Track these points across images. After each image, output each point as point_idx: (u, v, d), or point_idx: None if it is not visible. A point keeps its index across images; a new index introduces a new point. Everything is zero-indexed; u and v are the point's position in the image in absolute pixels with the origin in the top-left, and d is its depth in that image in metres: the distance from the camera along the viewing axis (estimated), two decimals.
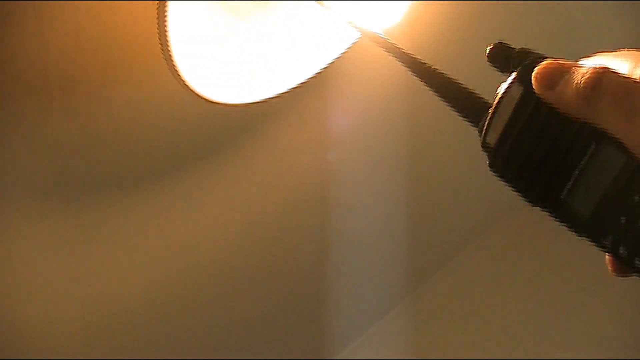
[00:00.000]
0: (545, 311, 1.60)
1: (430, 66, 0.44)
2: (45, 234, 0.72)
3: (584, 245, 0.39)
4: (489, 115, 0.39)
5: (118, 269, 0.82)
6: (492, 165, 0.40)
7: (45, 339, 0.84)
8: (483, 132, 0.40)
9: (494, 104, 0.39)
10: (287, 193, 0.95)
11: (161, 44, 0.53)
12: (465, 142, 1.16)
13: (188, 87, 0.55)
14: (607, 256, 0.38)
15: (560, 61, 0.36)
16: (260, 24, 0.58)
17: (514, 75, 0.38)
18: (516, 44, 0.40)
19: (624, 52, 0.36)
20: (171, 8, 0.51)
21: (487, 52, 0.40)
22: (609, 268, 0.38)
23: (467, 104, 0.42)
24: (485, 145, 0.40)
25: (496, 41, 0.40)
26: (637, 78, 0.33)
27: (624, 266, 0.37)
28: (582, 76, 0.34)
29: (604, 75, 0.33)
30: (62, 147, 0.65)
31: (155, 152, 0.73)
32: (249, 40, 0.58)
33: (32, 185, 0.66)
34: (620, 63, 0.35)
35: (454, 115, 0.43)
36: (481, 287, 1.65)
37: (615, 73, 0.33)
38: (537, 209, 0.40)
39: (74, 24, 0.57)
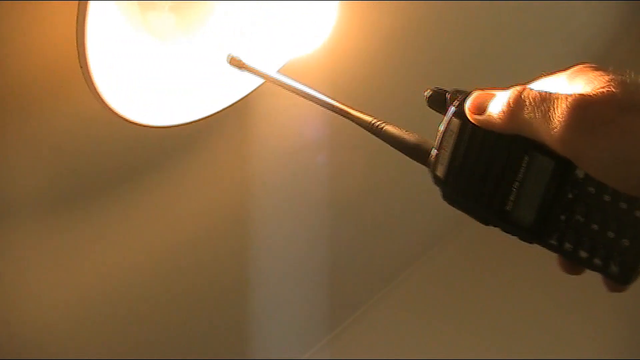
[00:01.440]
0: (475, 340, 1.63)
1: (374, 123, 0.49)
2: None
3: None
4: (435, 152, 0.45)
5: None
6: (445, 196, 0.45)
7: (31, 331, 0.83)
8: (432, 167, 0.45)
9: (437, 140, 0.44)
10: (207, 219, 0.93)
11: (81, 67, 0.52)
12: (390, 177, 1.19)
13: (109, 108, 0.54)
14: (557, 258, 0.42)
15: (487, 90, 0.42)
16: (184, 47, 0.57)
17: (451, 111, 0.44)
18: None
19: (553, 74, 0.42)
20: (90, 30, 0.50)
21: (426, 97, 0.46)
22: (561, 269, 0.43)
23: (414, 148, 0.47)
24: (436, 179, 0.45)
25: (433, 87, 0.46)
26: (557, 89, 0.38)
27: (571, 261, 0.42)
28: (506, 96, 0.40)
29: (523, 90, 0.39)
30: None
31: (79, 173, 0.71)
32: (172, 63, 0.57)
33: None
34: (552, 80, 0.41)
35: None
36: (400, 328, 1.67)
37: (531, 88, 0.39)
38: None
39: None
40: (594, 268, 0.41)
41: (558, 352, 1.53)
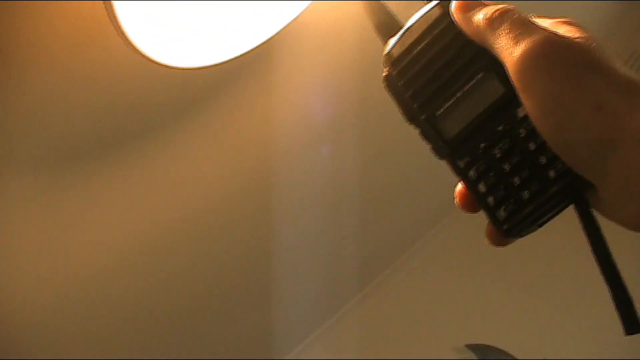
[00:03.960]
0: (495, 303, 1.62)
1: None
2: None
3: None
4: (402, 31, 0.44)
5: (81, 241, 0.79)
6: (387, 77, 0.44)
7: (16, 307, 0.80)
8: (391, 44, 0.44)
9: (410, 21, 0.43)
10: (231, 175, 0.91)
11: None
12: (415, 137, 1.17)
13: (136, 50, 0.53)
14: (457, 188, 0.43)
15: None
16: None
17: (436, 1, 0.43)
18: None
19: None
20: None
21: None
22: (457, 200, 0.43)
23: (384, 22, 0.46)
24: (388, 56, 0.44)
25: None
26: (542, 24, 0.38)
27: (468, 190, 0.42)
28: (494, 6, 0.39)
29: (512, 8, 0.39)
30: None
31: (102, 124, 0.70)
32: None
33: None
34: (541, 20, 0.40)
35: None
36: (431, 283, 1.66)
37: (519, 12, 0.38)
38: None
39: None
40: (486, 206, 0.41)
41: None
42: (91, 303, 0.89)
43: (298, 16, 0.63)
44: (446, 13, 0.41)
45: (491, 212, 0.40)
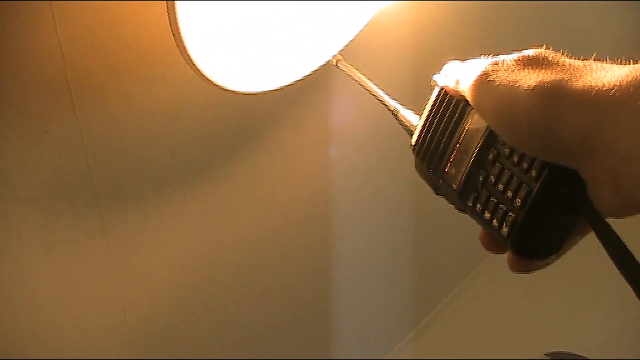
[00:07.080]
0: (573, 310, 1.58)
1: (394, 109, 0.53)
2: (50, 240, 0.69)
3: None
4: (418, 122, 0.48)
5: (130, 275, 0.78)
6: (415, 166, 0.47)
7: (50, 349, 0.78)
8: (413, 137, 0.48)
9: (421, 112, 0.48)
10: (287, 208, 0.91)
11: (173, 35, 0.53)
12: None
13: (204, 77, 0.55)
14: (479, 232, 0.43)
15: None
16: (271, 10, 0.57)
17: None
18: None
19: None
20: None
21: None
22: (482, 244, 0.43)
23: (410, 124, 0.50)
24: (412, 148, 0.48)
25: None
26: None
27: (481, 226, 0.42)
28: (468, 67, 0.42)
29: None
30: (70, 149, 0.63)
31: (168, 149, 0.71)
32: (260, 26, 0.57)
33: (37, 188, 0.64)
34: None
35: None
36: (487, 314, 1.63)
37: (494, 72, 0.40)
38: None
39: (83, 22, 0.57)
40: (493, 231, 0.41)
41: None
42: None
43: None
44: (440, 89, 0.45)
45: (497, 233, 0.40)
